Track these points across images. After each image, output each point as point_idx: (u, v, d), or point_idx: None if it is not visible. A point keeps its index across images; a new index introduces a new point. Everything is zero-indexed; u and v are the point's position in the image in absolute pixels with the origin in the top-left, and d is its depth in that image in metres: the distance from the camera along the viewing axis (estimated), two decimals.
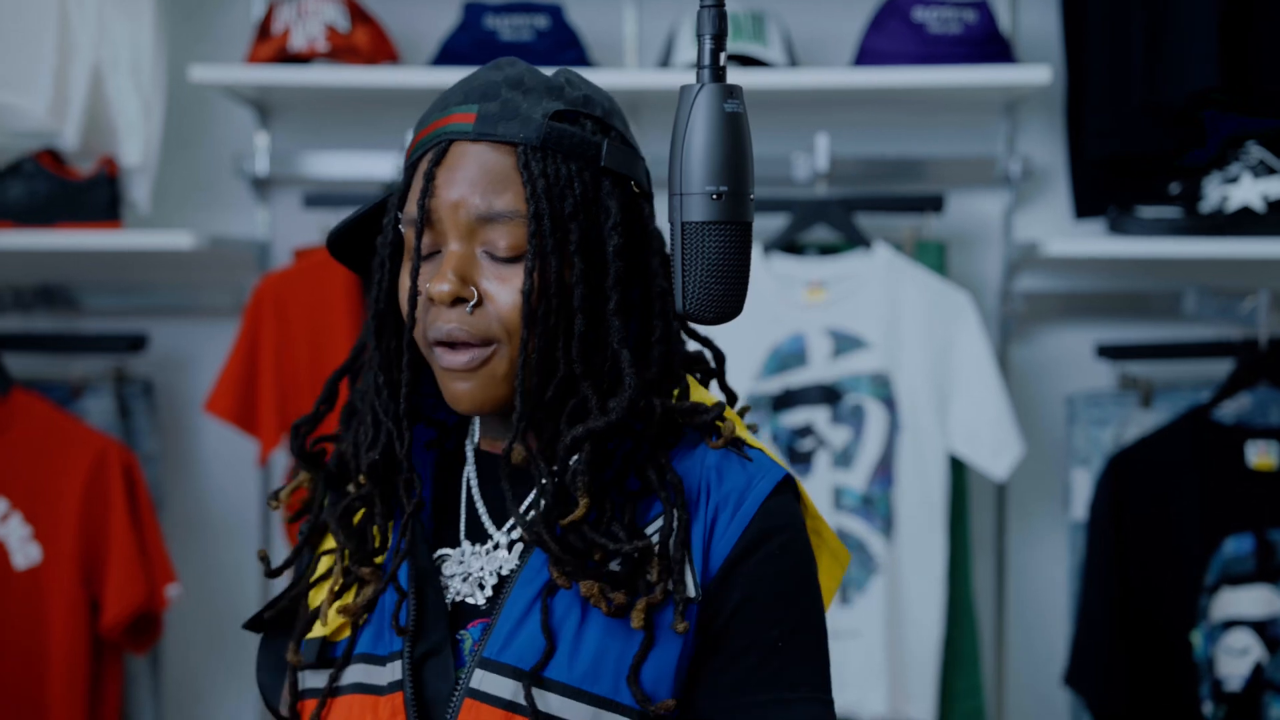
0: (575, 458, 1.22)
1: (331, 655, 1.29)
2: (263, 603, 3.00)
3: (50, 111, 2.76)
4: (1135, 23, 2.70)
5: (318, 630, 1.30)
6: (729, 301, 1.15)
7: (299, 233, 2.98)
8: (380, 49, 2.83)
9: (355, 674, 1.27)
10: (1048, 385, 3.01)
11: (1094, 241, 2.85)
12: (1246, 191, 2.71)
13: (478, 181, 1.22)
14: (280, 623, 1.35)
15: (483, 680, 1.21)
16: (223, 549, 3.06)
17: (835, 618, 2.63)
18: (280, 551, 2.98)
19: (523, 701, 1.19)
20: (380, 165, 2.87)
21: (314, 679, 1.29)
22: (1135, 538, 2.72)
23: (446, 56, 2.82)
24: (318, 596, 1.33)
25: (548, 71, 1.29)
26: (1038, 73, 2.70)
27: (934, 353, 2.73)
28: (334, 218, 2.92)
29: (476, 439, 1.34)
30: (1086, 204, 2.91)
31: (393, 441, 1.28)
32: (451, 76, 2.76)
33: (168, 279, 3.05)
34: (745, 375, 2.73)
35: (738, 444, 1.27)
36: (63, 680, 2.71)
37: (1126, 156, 2.80)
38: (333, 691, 1.27)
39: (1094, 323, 3.00)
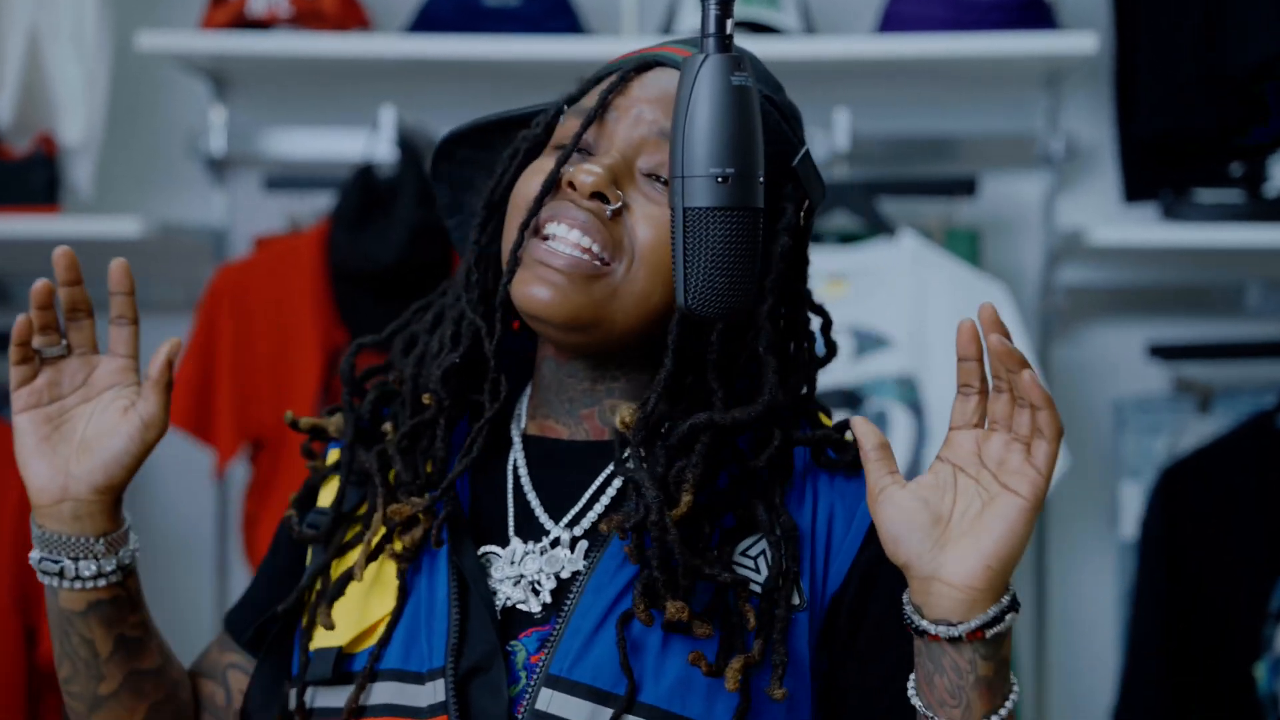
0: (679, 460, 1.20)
1: (348, 669, 1.25)
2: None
3: None
4: None
5: (331, 638, 1.26)
6: (735, 295, 1.15)
7: (259, 219, 2.98)
8: (349, 14, 2.84)
9: (385, 693, 1.22)
10: (1094, 389, 3.02)
11: (1146, 229, 2.86)
12: None
13: (672, 104, 1.21)
14: (272, 639, 1.32)
15: (550, 701, 1.18)
16: (174, 571, 3.04)
17: None
18: (238, 573, 2.96)
19: None
20: (350, 143, 2.87)
21: (327, 697, 1.25)
22: (1191, 559, 2.72)
23: (425, 23, 2.83)
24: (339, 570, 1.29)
25: None
26: (1083, 40, 2.71)
27: None
28: (298, 202, 2.93)
29: (524, 423, 1.32)
30: (1137, 187, 2.92)
31: (479, 338, 1.27)
32: (430, 45, 2.78)
33: None
34: None
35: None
36: None
37: (1182, 134, 2.81)
38: (357, 712, 1.22)
39: (1145, 319, 3.01)
